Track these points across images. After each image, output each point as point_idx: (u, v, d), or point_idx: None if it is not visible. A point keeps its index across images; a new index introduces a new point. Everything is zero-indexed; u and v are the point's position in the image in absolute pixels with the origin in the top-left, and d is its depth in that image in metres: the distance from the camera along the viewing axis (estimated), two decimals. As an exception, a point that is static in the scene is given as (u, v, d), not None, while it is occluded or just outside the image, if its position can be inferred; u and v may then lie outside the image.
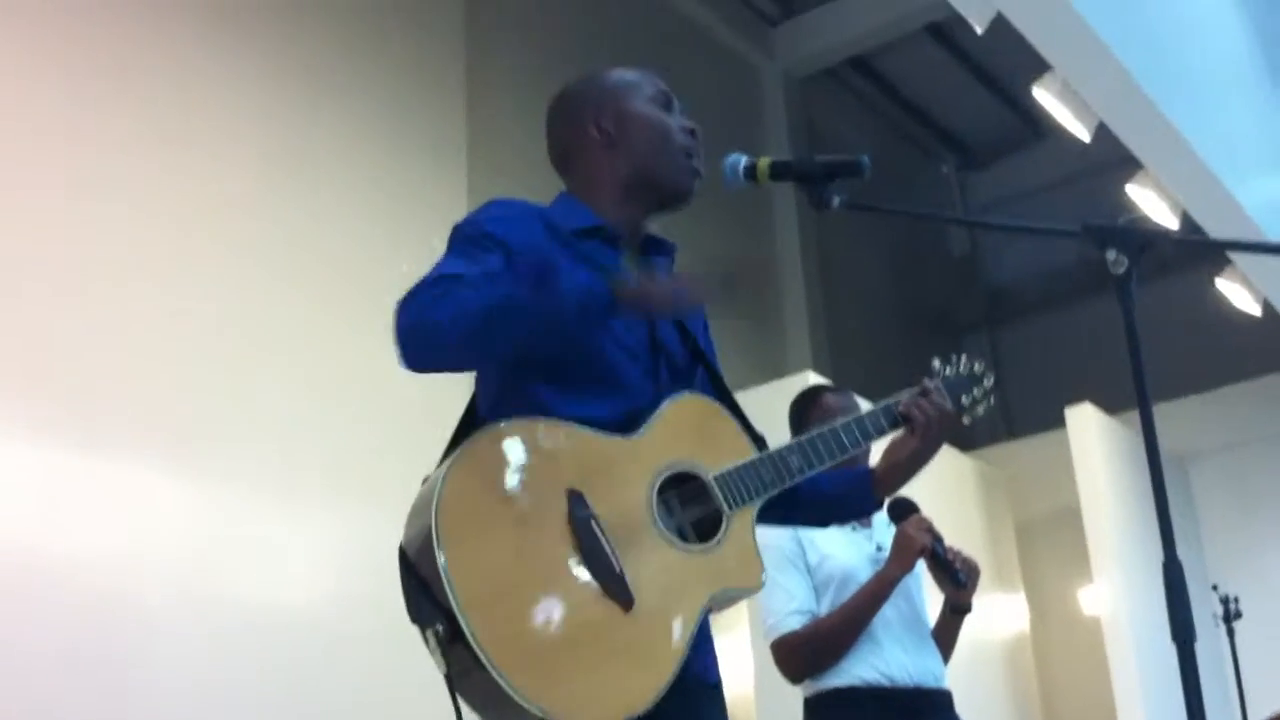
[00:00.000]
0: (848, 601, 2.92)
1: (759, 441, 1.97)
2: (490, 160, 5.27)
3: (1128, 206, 6.50)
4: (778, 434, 2.08)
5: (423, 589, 1.62)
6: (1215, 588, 5.63)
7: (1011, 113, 9.33)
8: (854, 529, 3.06)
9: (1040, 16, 4.38)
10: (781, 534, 2.93)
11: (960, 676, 3.16)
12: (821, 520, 2.24)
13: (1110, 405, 7.06)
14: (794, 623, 2.93)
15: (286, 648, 3.94)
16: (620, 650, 1.66)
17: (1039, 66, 5.17)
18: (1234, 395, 7.93)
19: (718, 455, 1.88)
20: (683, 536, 1.79)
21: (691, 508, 1.82)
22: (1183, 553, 1.66)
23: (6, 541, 3.41)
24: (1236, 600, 5.57)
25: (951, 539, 3.00)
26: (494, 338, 1.68)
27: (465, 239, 1.85)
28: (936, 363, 2.23)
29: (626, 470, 1.78)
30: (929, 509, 3.00)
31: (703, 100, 5.68)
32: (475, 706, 1.64)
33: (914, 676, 2.93)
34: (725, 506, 1.84)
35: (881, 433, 2.10)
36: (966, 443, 7.60)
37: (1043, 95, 5.51)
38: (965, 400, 2.21)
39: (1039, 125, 8.64)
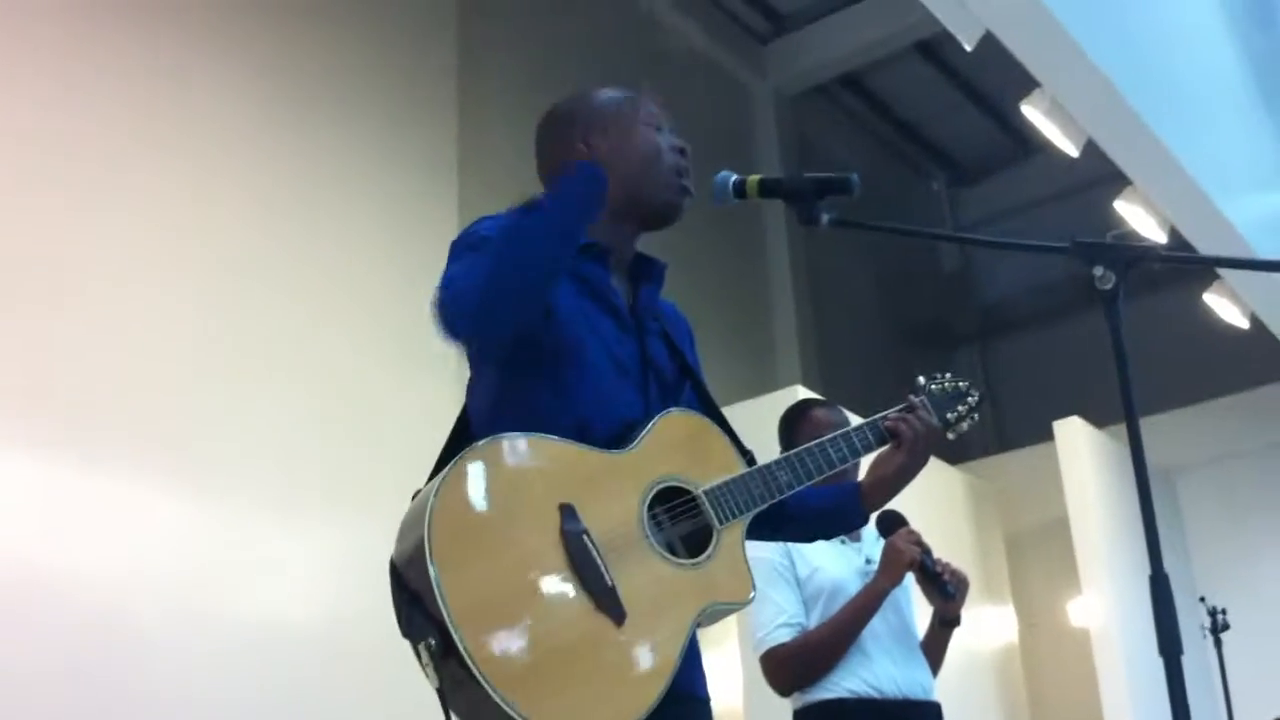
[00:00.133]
0: (837, 614, 2.93)
1: (748, 457, 1.99)
2: (481, 176, 5.29)
3: (1117, 222, 6.55)
4: (767, 448, 2.09)
5: (415, 603, 1.62)
6: (1203, 600, 5.66)
7: (1001, 129, 9.38)
8: (843, 542, 3.08)
9: (1029, 34, 4.41)
10: (771, 547, 2.94)
11: (950, 688, 3.17)
12: (809, 536, 2.26)
13: (1099, 419, 7.09)
14: (783, 635, 2.94)
15: (284, 663, 3.94)
16: (612, 664, 1.66)
17: (1028, 83, 5.20)
18: (1221, 408, 7.97)
19: (707, 470, 1.89)
20: (673, 551, 1.80)
21: (681, 522, 1.83)
22: (1170, 565, 1.68)
23: (4, 557, 3.41)
24: (1224, 612, 5.60)
25: (941, 551, 3.02)
26: (526, 264, 1.74)
27: (464, 247, 1.87)
28: (922, 379, 2.25)
29: (617, 485, 1.79)
30: (918, 522, 3.01)
31: (694, 117, 5.70)
32: None
33: (902, 689, 2.95)
34: (715, 521, 1.85)
35: (869, 448, 2.11)
36: (956, 455, 7.62)
37: (1031, 112, 5.54)
38: (951, 416, 2.22)
39: (1028, 142, 8.69)
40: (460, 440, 1.86)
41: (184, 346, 3.98)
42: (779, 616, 2.96)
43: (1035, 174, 9.17)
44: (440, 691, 1.63)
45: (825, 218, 1.92)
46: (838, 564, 3.02)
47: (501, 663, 1.58)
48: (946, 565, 3.00)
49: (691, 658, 1.84)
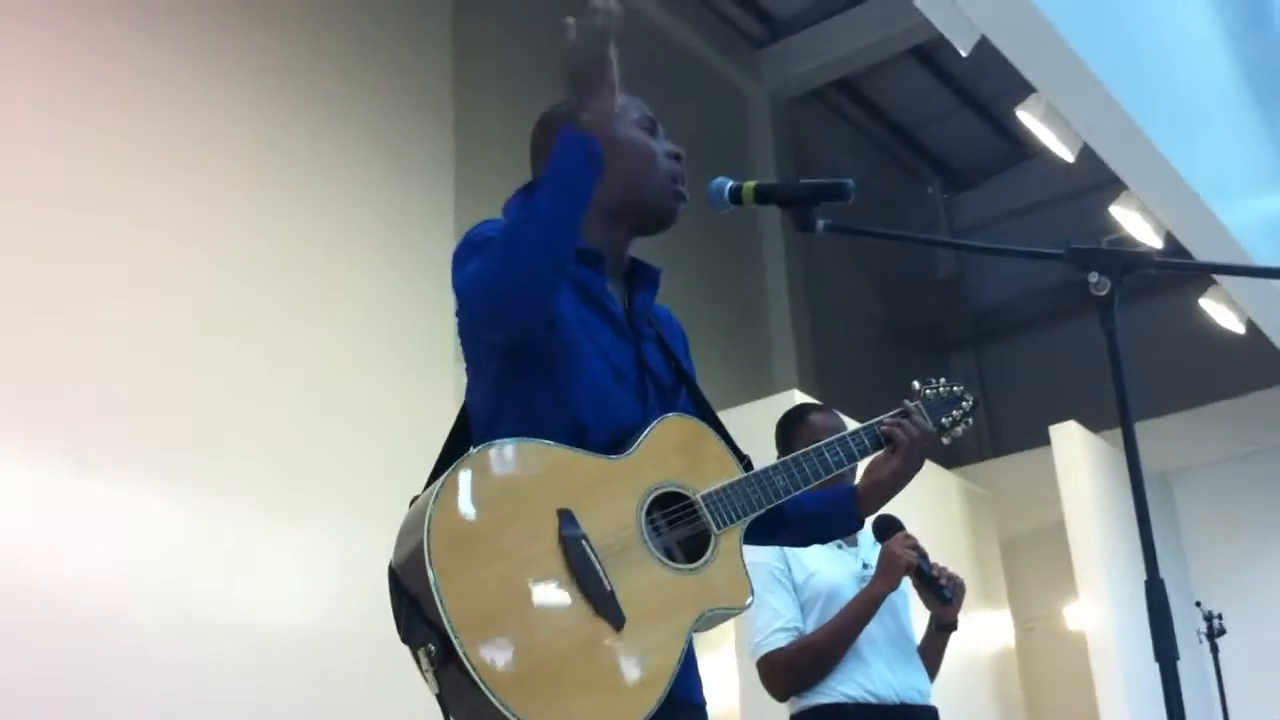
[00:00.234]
0: (833, 619, 2.93)
1: (745, 461, 1.99)
2: (478, 180, 5.29)
3: (1113, 227, 6.56)
4: (763, 452, 2.10)
5: (414, 608, 1.62)
6: (1199, 604, 5.66)
7: (996, 134, 9.41)
8: (840, 547, 3.08)
9: (1024, 39, 4.42)
10: (768, 552, 2.94)
11: (946, 693, 3.17)
12: (804, 540, 2.27)
13: (1095, 423, 7.11)
14: (780, 640, 2.94)
15: (280, 669, 3.93)
16: (612, 669, 1.66)
17: (1023, 89, 5.22)
18: (1218, 412, 7.99)
19: (705, 475, 1.89)
20: (671, 556, 1.80)
21: (679, 527, 1.84)
22: (1166, 569, 1.68)
23: (1, 562, 3.40)
24: (1220, 617, 5.60)
25: (937, 556, 3.02)
26: (532, 258, 1.73)
27: (470, 248, 1.86)
28: (917, 384, 2.26)
29: (615, 490, 1.79)
30: (915, 526, 3.01)
31: (689, 122, 5.73)
32: None
33: (899, 693, 2.95)
34: (713, 526, 1.85)
35: (865, 453, 2.12)
36: (952, 460, 7.63)
37: (1027, 117, 5.56)
38: (946, 421, 2.24)
39: (1024, 147, 8.72)
40: (458, 445, 1.86)
41: (180, 350, 3.98)
42: (775, 621, 2.96)
43: (1031, 179, 9.21)
44: (440, 697, 1.63)
45: (821, 223, 1.92)
46: (834, 569, 3.03)
47: (501, 668, 1.57)
48: (943, 570, 3.00)
49: (688, 663, 1.84)
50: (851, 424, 2.23)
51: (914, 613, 3.13)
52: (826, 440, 2.07)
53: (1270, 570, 7.85)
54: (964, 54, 4.61)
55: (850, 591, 2.96)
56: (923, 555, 2.95)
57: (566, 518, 1.71)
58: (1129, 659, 6.44)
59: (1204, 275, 6.84)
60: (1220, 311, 7.03)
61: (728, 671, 5.23)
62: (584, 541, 1.70)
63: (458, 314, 1.83)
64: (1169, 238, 6.04)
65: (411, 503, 1.75)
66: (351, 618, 3.97)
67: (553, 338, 1.85)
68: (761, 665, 2.99)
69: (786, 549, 2.98)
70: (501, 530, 1.68)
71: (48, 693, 3.37)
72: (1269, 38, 6.81)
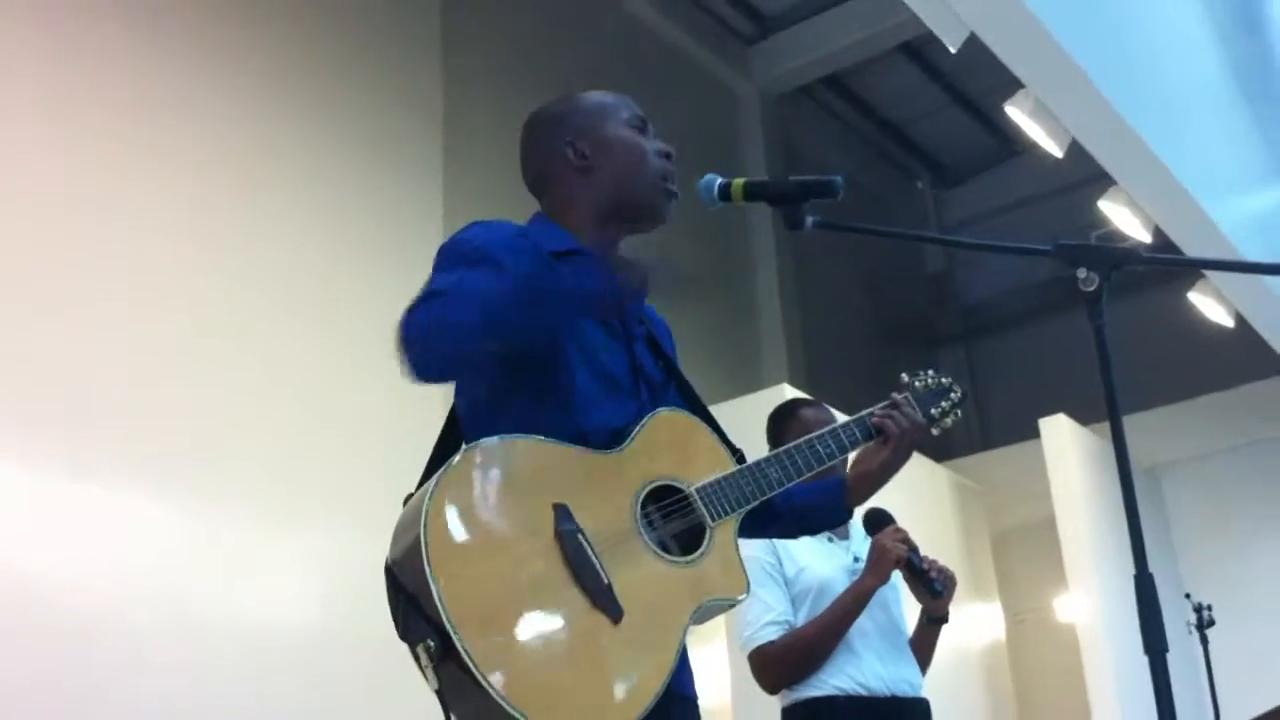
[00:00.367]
0: (824, 612, 2.94)
1: (737, 455, 2.01)
2: (466, 181, 5.29)
3: (1102, 222, 6.58)
4: (753, 446, 2.12)
5: (412, 605, 1.62)
6: (1188, 596, 5.68)
7: (985, 130, 9.42)
8: (831, 540, 3.09)
9: (1012, 35, 4.43)
10: (758, 545, 2.96)
11: (937, 685, 3.19)
12: (794, 531, 2.29)
13: (1084, 416, 7.12)
14: (771, 633, 2.95)
15: (277, 671, 3.93)
16: (610, 662, 1.67)
17: (1012, 84, 5.23)
18: (1207, 406, 8.00)
19: (698, 468, 1.91)
20: (666, 549, 1.82)
21: (674, 521, 1.85)
22: (1156, 562, 1.69)
23: (-2, 564, 3.40)
24: (1210, 608, 5.61)
25: (927, 549, 3.04)
26: (520, 318, 1.70)
27: (454, 256, 1.85)
28: (905, 376, 2.28)
29: (610, 484, 1.80)
30: (905, 520, 3.03)
31: (678, 119, 5.73)
32: None
33: (890, 686, 2.96)
34: (708, 519, 1.87)
35: (855, 444, 2.15)
36: (942, 453, 7.65)
37: (1015, 113, 5.57)
38: (935, 412, 2.26)
39: (1013, 142, 8.73)
40: (449, 444, 1.86)
41: (176, 353, 3.97)
42: (766, 614, 2.97)
43: (1020, 174, 9.21)
44: (439, 693, 1.63)
45: (810, 220, 1.93)
46: (825, 562, 3.04)
47: (501, 663, 1.58)
48: (933, 563, 3.02)
49: (681, 657, 1.85)
50: (842, 419, 2.24)
51: (905, 606, 3.14)
52: (818, 433, 2.10)
53: (1259, 562, 7.88)
54: (953, 50, 4.62)
55: (841, 585, 2.98)
56: (913, 548, 2.96)
57: (562, 512, 1.72)
58: (1119, 651, 6.47)
59: (1193, 270, 6.86)
60: (1209, 305, 7.06)
61: (719, 665, 5.25)
62: (580, 536, 1.71)
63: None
64: (1157, 233, 6.06)
65: (406, 500, 1.75)
66: (349, 621, 3.97)
67: (546, 341, 1.85)
68: (753, 658, 3.00)
69: (777, 543, 2.99)
70: (498, 525, 1.69)
71: (45, 696, 3.36)
72: (1258, 33, 6.84)
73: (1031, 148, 6.19)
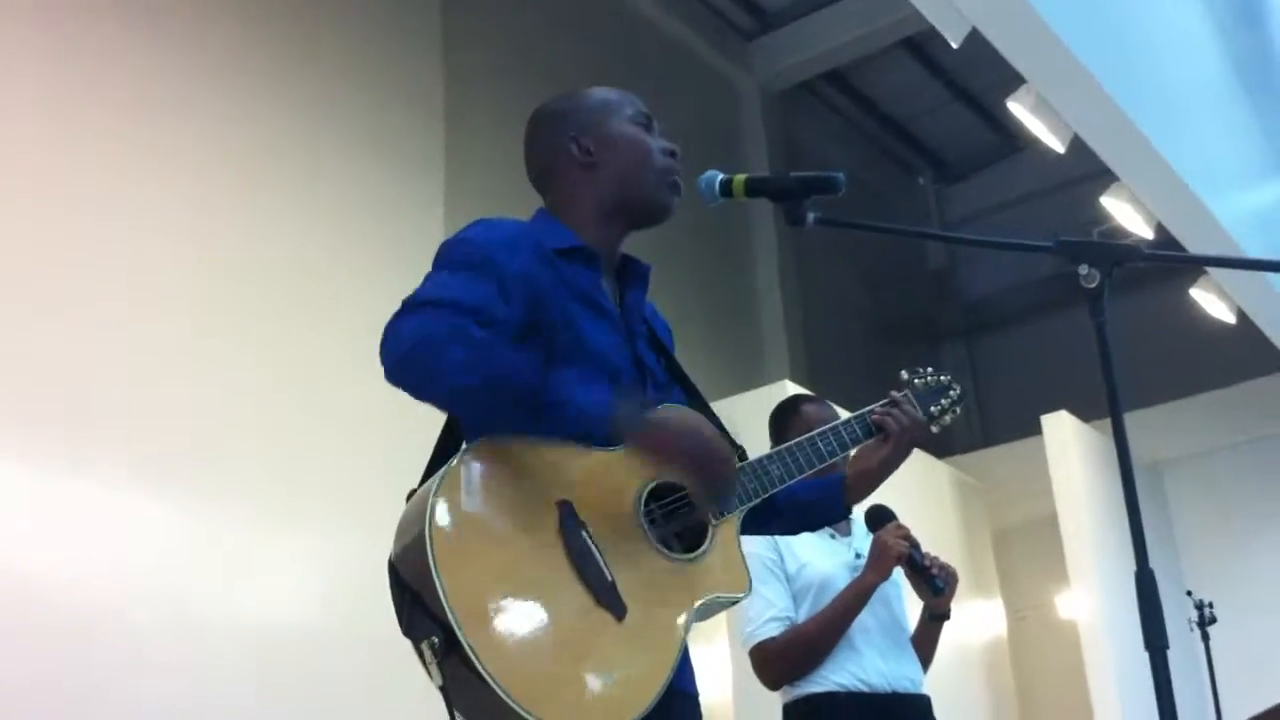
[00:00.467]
0: (825, 608, 2.94)
1: (739, 452, 2.01)
2: (467, 179, 5.29)
3: (1104, 217, 6.58)
4: (755, 442, 2.12)
5: (416, 602, 1.61)
6: (1190, 593, 5.68)
7: (987, 126, 9.41)
8: (833, 537, 3.09)
9: (1014, 31, 4.42)
10: (760, 542, 2.96)
11: (939, 682, 3.18)
12: (794, 528, 2.29)
13: (1086, 413, 7.12)
14: (772, 629, 2.95)
15: (277, 670, 3.93)
16: (614, 659, 1.67)
17: (1014, 80, 5.23)
18: (1209, 402, 8.01)
19: (699, 465, 1.91)
20: (668, 547, 1.82)
21: (676, 518, 1.85)
22: (1157, 559, 1.69)
23: (-2, 562, 3.40)
24: (1211, 605, 5.62)
25: (929, 546, 3.03)
26: (488, 407, 1.72)
27: (460, 260, 1.83)
28: (905, 374, 2.29)
29: (613, 482, 1.80)
30: (906, 516, 3.03)
31: (679, 114, 5.72)
32: (471, 717, 1.64)
33: (891, 682, 2.96)
34: (710, 516, 1.87)
35: (856, 442, 2.16)
36: (943, 450, 7.65)
37: (1017, 109, 5.57)
38: (935, 410, 2.28)
39: (1015, 138, 8.72)
40: (449, 443, 1.85)
41: (176, 353, 3.96)
42: (768, 611, 2.97)
43: (1022, 170, 9.21)
44: (444, 690, 1.62)
45: (811, 216, 1.92)
46: (827, 559, 3.04)
47: (505, 659, 1.58)
48: (935, 559, 3.01)
49: (682, 654, 1.85)
50: (843, 415, 2.25)
51: (907, 602, 3.14)
52: (819, 430, 2.11)
53: (1261, 559, 7.87)
54: (954, 46, 4.62)
55: (842, 581, 2.97)
56: (914, 545, 2.96)
57: (566, 509, 1.72)
58: (1120, 648, 6.47)
59: (1195, 266, 6.86)
60: (1211, 301, 7.06)
61: (721, 662, 5.25)
62: (584, 532, 1.72)
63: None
64: (1160, 229, 6.05)
65: (409, 496, 1.75)
66: (349, 620, 3.97)
67: (548, 336, 1.85)
68: (754, 655, 3.00)
69: (779, 539, 2.99)
70: (502, 522, 1.69)
71: (45, 696, 3.36)
72: (1260, 29, 6.83)
73: (1033, 143, 6.20)
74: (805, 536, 2.99)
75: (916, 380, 2.28)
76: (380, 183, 4.91)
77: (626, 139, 2.02)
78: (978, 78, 8.64)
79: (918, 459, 2.22)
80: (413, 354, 1.68)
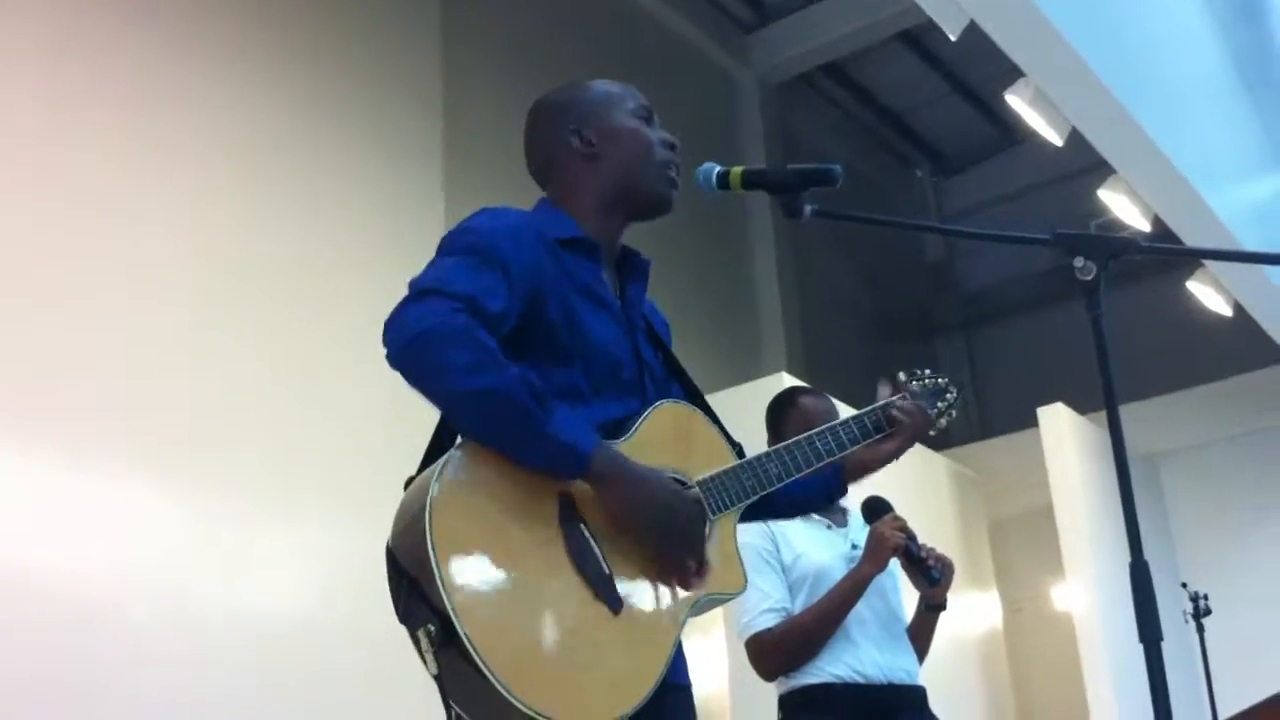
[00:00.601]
0: (821, 599, 2.94)
1: (737, 448, 2.02)
2: (467, 172, 5.29)
3: (1101, 210, 6.59)
4: (751, 434, 2.13)
5: (414, 590, 1.62)
6: (1185, 585, 5.70)
7: (985, 119, 9.41)
8: (829, 528, 3.10)
9: (1012, 23, 4.43)
10: (756, 532, 2.96)
11: (934, 673, 3.19)
12: (788, 512, 2.31)
13: (1082, 405, 7.14)
14: (768, 620, 2.96)
15: (275, 663, 3.93)
16: (609, 652, 1.68)
17: (1012, 73, 5.23)
18: (1205, 395, 8.02)
19: (699, 462, 1.92)
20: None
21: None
22: (1153, 551, 1.70)
23: (-4, 555, 3.40)
24: (1206, 597, 5.64)
25: (925, 537, 3.04)
26: (476, 416, 1.70)
27: (467, 248, 1.83)
28: (902, 375, 2.30)
29: (612, 475, 1.80)
30: (902, 508, 3.03)
31: (678, 106, 5.73)
32: (465, 707, 1.64)
33: (887, 674, 2.96)
34: (708, 512, 1.87)
35: (855, 441, 2.17)
36: (940, 442, 7.65)
37: (1015, 101, 5.57)
38: (932, 411, 2.29)
39: (1013, 131, 8.73)
40: (445, 435, 1.85)
41: (175, 346, 3.96)
42: (764, 602, 2.97)
43: (1020, 163, 9.22)
44: (439, 678, 1.63)
45: (809, 209, 1.93)
46: (823, 549, 3.04)
47: (502, 649, 1.58)
48: (931, 550, 3.02)
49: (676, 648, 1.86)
50: (840, 406, 2.26)
51: (903, 594, 3.15)
52: (818, 429, 2.12)
53: (1256, 551, 7.90)
54: (953, 38, 4.62)
55: (839, 572, 2.98)
56: (911, 536, 2.96)
57: (565, 502, 1.73)
58: (1115, 640, 6.48)
59: (1191, 259, 6.87)
60: (1207, 294, 7.07)
61: (718, 653, 5.26)
62: (583, 526, 1.72)
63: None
64: (1157, 221, 6.06)
65: (408, 483, 1.75)
66: (348, 613, 3.98)
67: (548, 327, 1.86)
68: (750, 645, 3.00)
69: (775, 530, 3.00)
70: (501, 512, 1.69)
71: (44, 689, 3.36)
72: (1258, 23, 6.83)
73: (1031, 136, 6.20)
74: (801, 527, 3.00)
75: (914, 382, 2.30)
76: (379, 176, 4.91)
77: (628, 131, 2.03)
78: (976, 71, 8.64)
79: (914, 451, 2.24)
80: (415, 343, 1.68)
